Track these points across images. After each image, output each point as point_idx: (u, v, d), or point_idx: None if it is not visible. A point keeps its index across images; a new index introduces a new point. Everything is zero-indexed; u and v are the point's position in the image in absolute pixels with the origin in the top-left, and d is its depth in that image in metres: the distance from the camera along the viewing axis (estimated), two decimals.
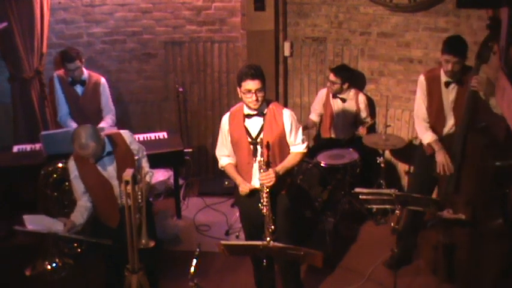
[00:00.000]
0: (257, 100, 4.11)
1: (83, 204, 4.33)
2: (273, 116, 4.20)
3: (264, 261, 3.92)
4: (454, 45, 4.62)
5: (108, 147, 4.28)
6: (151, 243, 3.93)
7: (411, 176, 5.16)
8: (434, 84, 4.78)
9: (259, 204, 4.15)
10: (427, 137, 4.80)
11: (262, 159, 4.09)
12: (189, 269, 3.72)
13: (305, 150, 4.35)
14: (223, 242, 3.89)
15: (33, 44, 5.84)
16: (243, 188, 4.28)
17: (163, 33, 6.59)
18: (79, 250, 5.05)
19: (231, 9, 6.57)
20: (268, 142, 4.17)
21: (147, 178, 4.31)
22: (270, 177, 4.09)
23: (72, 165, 4.29)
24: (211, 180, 6.93)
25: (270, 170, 4.12)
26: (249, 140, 4.23)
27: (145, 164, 4.51)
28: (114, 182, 4.31)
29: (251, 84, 4.06)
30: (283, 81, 6.67)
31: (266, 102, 4.23)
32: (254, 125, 4.23)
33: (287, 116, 4.22)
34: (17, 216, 5.33)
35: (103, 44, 6.50)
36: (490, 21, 4.45)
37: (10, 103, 6.02)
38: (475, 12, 5.21)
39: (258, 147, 4.12)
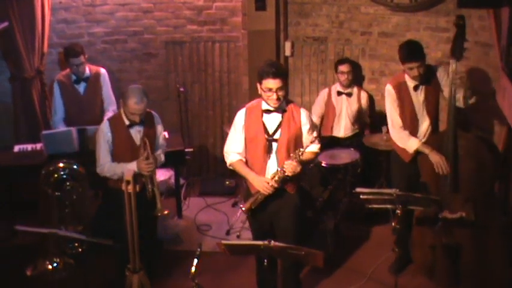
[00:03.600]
0: (278, 99, 4.11)
1: (109, 163, 4.64)
2: (291, 114, 4.21)
3: (265, 261, 3.91)
4: (413, 52, 4.68)
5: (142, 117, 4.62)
6: (166, 211, 4.47)
7: (393, 184, 5.10)
8: (403, 91, 4.80)
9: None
10: (412, 143, 4.76)
11: (298, 153, 4.14)
12: (190, 269, 3.72)
13: (318, 150, 4.42)
14: (224, 241, 3.90)
15: (34, 43, 5.84)
16: (264, 187, 4.17)
17: (164, 33, 6.60)
18: (80, 250, 5.05)
19: (232, 9, 6.57)
20: (283, 137, 4.20)
21: (162, 155, 4.86)
22: (295, 167, 4.11)
23: (106, 127, 4.61)
24: (212, 180, 6.94)
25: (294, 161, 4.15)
26: (266, 136, 4.21)
27: (160, 150, 4.89)
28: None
29: (272, 83, 4.06)
30: None
31: (286, 99, 4.25)
32: (272, 121, 4.22)
33: (305, 115, 4.24)
34: (18, 216, 5.35)
35: (104, 44, 6.50)
36: (458, 19, 4.47)
37: (11, 103, 6.03)
38: (476, 12, 5.21)
39: (274, 144, 4.14)
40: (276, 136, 4.19)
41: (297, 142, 4.23)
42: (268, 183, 4.16)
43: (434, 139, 4.75)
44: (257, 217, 4.39)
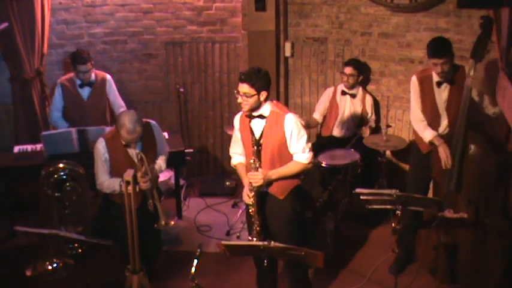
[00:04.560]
0: (242, 103, 4.11)
1: (108, 179, 4.60)
2: (274, 120, 4.15)
3: (265, 261, 3.91)
4: (438, 48, 4.70)
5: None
6: (172, 222, 4.42)
7: (408, 175, 5.18)
8: (427, 85, 4.83)
9: (248, 205, 4.20)
10: (427, 134, 4.82)
11: (254, 159, 4.12)
12: (190, 270, 3.72)
13: (306, 162, 4.21)
14: (224, 242, 3.89)
15: (34, 44, 5.84)
16: (244, 196, 4.28)
17: (164, 34, 6.60)
18: (80, 250, 5.05)
19: (232, 10, 6.57)
20: (266, 144, 4.16)
21: (157, 166, 4.76)
22: (257, 178, 4.11)
23: (102, 147, 4.57)
24: (212, 181, 6.94)
25: (260, 170, 4.13)
26: (253, 140, 4.21)
27: (162, 158, 4.85)
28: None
29: (239, 87, 4.09)
30: (284, 82, 6.67)
31: (268, 105, 4.18)
32: (257, 126, 4.21)
33: (289, 122, 4.12)
34: (17, 217, 5.36)
35: (104, 45, 6.50)
36: (483, 20, 4.47)
37: (11, 103, 6.02)
38: (476, 13, 5.20)
39: (260, 148, 4.14)
40: (261, 141, 4.19)
41: (281, 149, 4.18)
42: (248, 195, 4.22)
43: (444, 138, 4.76)
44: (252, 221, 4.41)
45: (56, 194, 5.02)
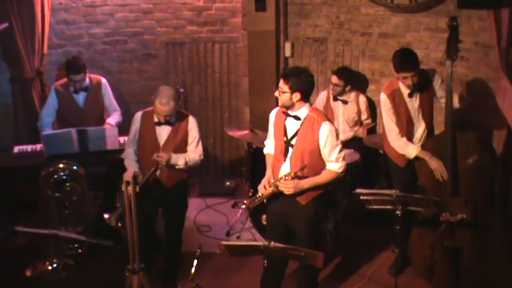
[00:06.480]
0: (280, 98, 4.10)
1: (132, 151, 4.69)
2: (310, 125, 4.08)
3: (265, 262, 3.90)
4: (407, 61, 4.68)
5: (172, 119, 4.63)
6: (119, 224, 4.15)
7: (393, 184, 5.14)
8: (398, 99, 4.81)
9: (262, 187, 4.21)
10: (411, 150, 4.76)
11: (294, 173, 4.07)
12: (190, 270, 3.72)
13: (339, 171, 4.17)
14: (224, 242, 3.89)
15: (34, 44, 5.84)
16: (260, 188, 4.25)
17: (164, 34, 6.60)
18: (80, 251, 5.06)
19: (232, 10, 6.57)
20: (298, 146, 4.11)
21: (182, 160, 4.76)
22: (288, 187, 4.06)
23: (139, 116, 4.74)
24: (212, 181, 6.94)
25: (295, 181, 4.06)
26: (284, 139, 4.18)
27: (193, 153, 4.84)
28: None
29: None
30: None
31: (306, 108, 4.11)
32: (292, 126, 4.15)
33: (325, 130, 4.05)
34: (18, 217, 5.36)
35: (104, 45, 6.50)
36: (450, 21, 4.48)
37: (11, 104, 6.02)
38: (476, 13, 5.21)
39: (290, 148, 4.11)
40: (293, 142, 4.13)
41: (313, 154, 4.11)
42: (265, 187, 4.19)
43: (432, 143, 4.75)
44: (272, 217, 4.41)
45: (56, 195, 5.04)
